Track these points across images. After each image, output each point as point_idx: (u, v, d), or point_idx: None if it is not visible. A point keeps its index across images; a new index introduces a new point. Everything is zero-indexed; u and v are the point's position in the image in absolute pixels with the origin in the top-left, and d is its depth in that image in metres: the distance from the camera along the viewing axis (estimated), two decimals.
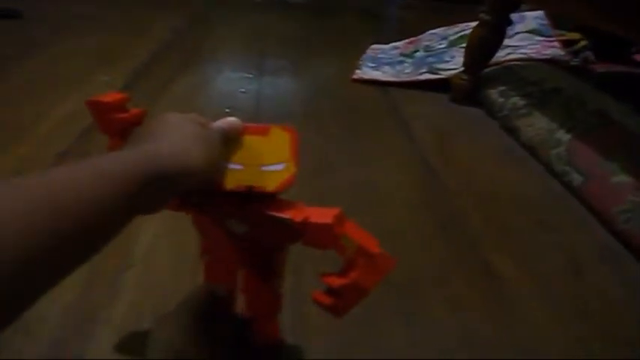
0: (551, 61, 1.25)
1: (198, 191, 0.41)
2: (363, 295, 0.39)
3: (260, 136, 0.41)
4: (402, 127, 1.10)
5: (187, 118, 0.39)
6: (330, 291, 0.40)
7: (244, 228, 0.43)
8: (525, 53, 1.27)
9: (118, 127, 0.42)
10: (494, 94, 1.19)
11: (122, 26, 1.67)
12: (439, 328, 0.56)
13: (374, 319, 0.56)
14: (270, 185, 0.41)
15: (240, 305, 0.49)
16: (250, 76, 1.33)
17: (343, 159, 0.93)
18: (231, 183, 0.41)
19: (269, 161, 0.41)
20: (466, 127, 1.14)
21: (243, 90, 1.22)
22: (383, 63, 1.46)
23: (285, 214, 0.41)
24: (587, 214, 0.81)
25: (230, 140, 0.41)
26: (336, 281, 0.40)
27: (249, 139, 0.41)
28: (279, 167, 0.41)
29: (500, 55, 1.25)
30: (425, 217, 0.77)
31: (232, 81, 1.29)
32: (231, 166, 0.41)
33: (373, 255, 0.39)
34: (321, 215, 0.40)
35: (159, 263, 0.62)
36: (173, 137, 0.36)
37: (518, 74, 1.19)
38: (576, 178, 0.87)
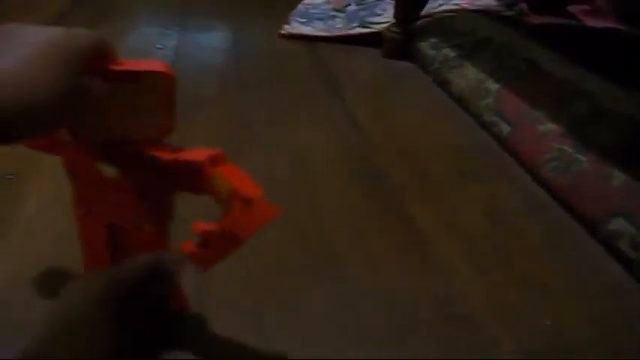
0: (484, 12, 1.21)
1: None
2: (234, 245, 0.34)
3: (133, 85, 0.34)
4: (329, 83, 1.04)
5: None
6: (204, 242, 0.35)
7: (114, 172, 0.38)
8: (458, 4, 1.23)
9: None
10: (425, 47, 1.14)
11: None
12: (357, 289, 0.51)
13: (287, 284, 0.51)
14: (145, 136, 0.36)
15: None
16: (169, 31, 1.23)
17: (262, 115, 0.86)
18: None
19: (143, 112, 0.35)
20: (397, 81, 1.09)
21: (160, 46, 1.13)
22: (314, 18, 1.38)
23: (155, 153, 0.36)
24: (514, 164, 0.78)
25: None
26: (203, 227, 0.35)
27: (122, 91, 0.34)
28: (154, 118, 0.36)
29: (433, 6, 1.20)
30: (345, 172, 0.72)
31: (148, 36, 1.19)
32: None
33: (249, 199, 0.33)
34: (196, 154, 0.35)
35: (42, 231, 0.55)
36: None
37: (449, 26, 1.14)
38: (505, 128, 0.84)
